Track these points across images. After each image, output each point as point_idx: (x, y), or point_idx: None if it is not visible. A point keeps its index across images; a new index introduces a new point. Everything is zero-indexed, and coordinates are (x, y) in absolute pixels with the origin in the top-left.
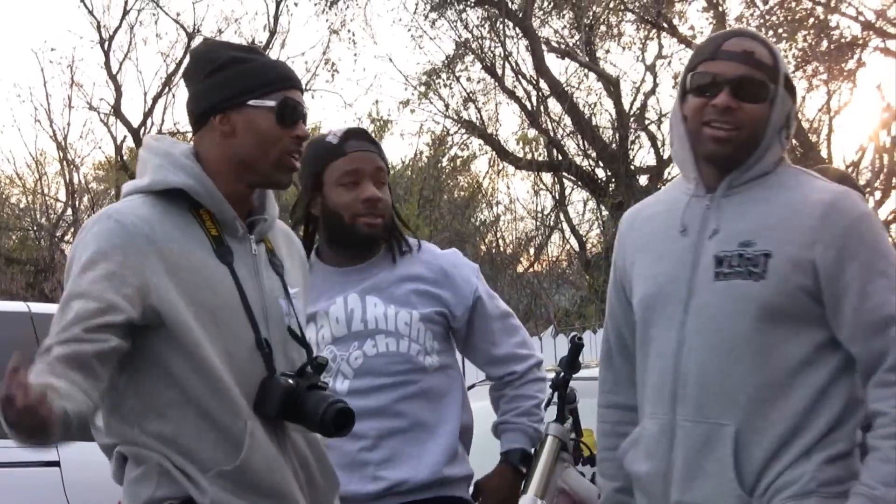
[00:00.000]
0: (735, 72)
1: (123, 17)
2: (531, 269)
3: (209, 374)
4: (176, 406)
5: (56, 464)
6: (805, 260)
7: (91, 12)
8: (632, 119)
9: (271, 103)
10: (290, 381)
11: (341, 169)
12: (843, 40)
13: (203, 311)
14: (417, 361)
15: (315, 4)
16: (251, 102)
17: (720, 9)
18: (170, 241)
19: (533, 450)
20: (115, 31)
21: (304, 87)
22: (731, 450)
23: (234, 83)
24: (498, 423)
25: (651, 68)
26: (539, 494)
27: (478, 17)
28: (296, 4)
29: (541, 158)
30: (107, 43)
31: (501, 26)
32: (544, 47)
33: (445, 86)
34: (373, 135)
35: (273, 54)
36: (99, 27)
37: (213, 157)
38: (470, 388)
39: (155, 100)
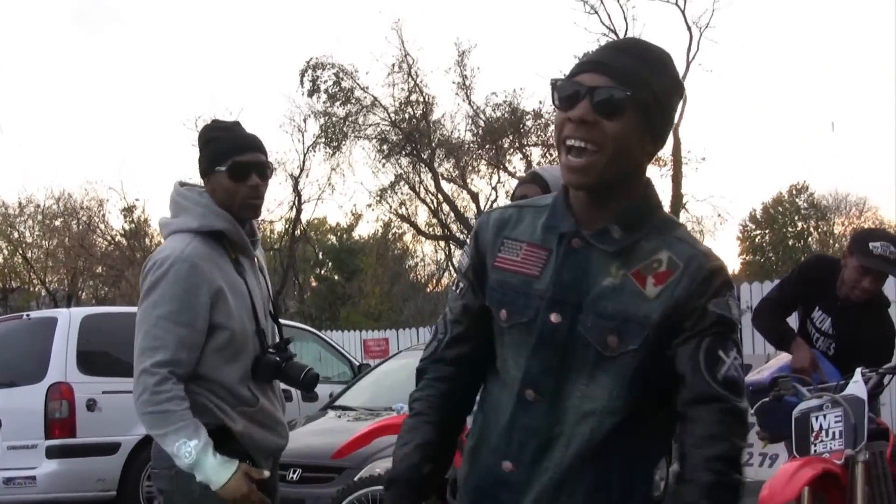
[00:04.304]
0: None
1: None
2: (434, 290)
3: (233, 353)
4: (211, 369)
5: None
6: None
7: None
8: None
9: (223, 168)
10: (276, 357)
11: None
12: None
13: (236, 313)
14: None
15: (323, 154)
16: (216, 169)
17: (528, 158)
18: (218, 270)
19: None
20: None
21: (319, 196)
22: None
23: (207, 157)
24: None
25: (495, 188)
26: None
27: (406, 162)
28: (314, 154)
29: (438, 233)
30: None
31: (418, 166)
32: (441, 177)
33: (390, 196)
34: (350, 224)
35: (301, 180)
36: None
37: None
38: (398, 353)
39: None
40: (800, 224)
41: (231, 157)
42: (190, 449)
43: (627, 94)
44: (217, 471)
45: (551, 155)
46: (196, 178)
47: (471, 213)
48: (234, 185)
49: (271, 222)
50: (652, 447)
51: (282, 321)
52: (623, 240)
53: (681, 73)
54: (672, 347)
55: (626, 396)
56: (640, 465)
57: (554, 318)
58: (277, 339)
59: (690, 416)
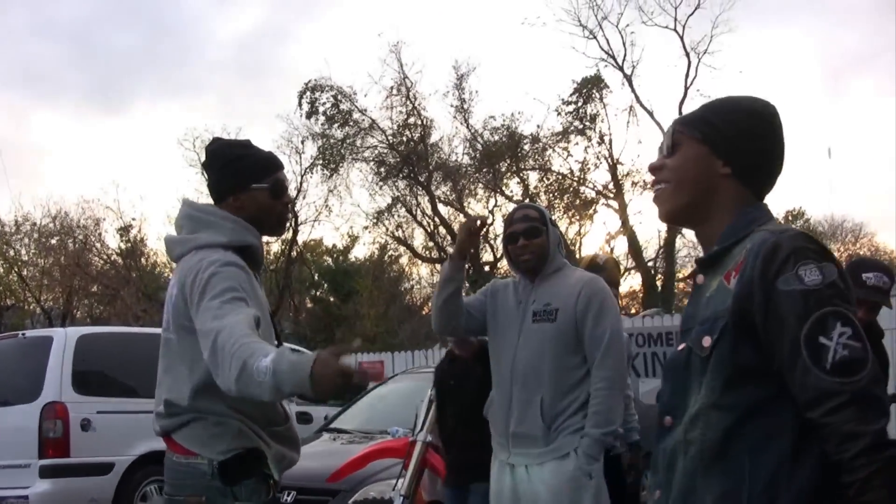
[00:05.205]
0: (521, 226)
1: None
2: (430, 313)
3: None
4: None
5: None
6: (573, 311)
7: None
8: (481, 238)
9: (266, 185)
10: None
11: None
12: (585, 199)
13: (263, 324)
14: None
15: (321, 176)
16: (253, 186)
17: (525, 182)
18: (252, 278)
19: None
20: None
21: (316, 217)
22: (539, 407)
23: (240, 174)
24: None
25: (491, 212)
26: (429, 431)
27: (403, 184)
28: (311, 176)
29: (434, 257)
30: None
31: (415, 189)
32: (438, 200)
33: (386, 219)
34: (346, 246)
35: (298, 202)
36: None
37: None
38: (394, 376)
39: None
40: None
41: (272, 174)
42: (265, 366)
43: (674, 130)
44: (296, 370)
45: (548, 179)
46: (193, 197)
47: None
48: (273, 201)
49: (267, 243)
50: (787, 448)
51: None
52: (716, 251)
53: (679, 99)
54: (762, 340)
55: (725, 391)
56: (776, 470)
57: (680, 347)
58: None
59: (819, 422)
